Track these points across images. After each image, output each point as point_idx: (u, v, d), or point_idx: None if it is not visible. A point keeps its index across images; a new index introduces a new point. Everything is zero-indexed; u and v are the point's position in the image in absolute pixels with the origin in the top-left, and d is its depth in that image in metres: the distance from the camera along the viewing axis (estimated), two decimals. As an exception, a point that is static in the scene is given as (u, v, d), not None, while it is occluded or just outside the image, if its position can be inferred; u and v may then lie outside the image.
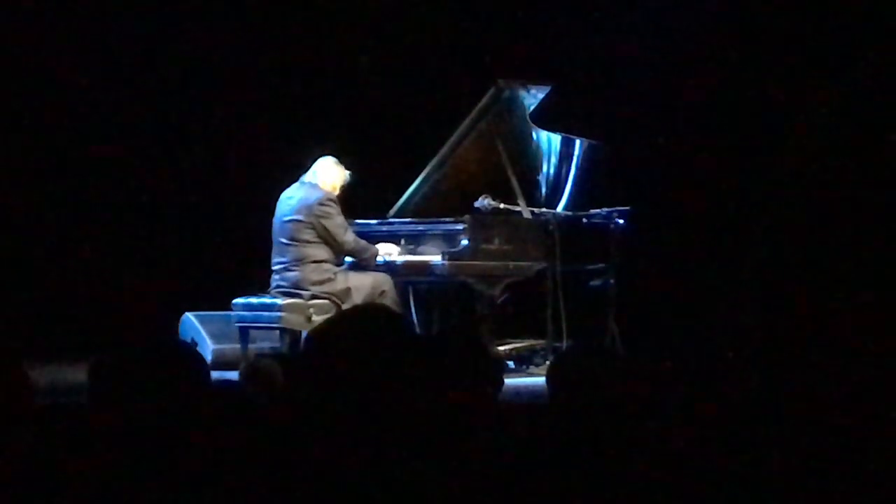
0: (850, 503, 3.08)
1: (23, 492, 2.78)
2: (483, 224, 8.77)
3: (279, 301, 8.43)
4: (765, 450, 3.13)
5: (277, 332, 8.53)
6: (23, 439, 2.94)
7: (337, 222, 8.50)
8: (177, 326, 9.33)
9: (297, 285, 8.45)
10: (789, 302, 9.53)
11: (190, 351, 3.00)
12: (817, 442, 3.21)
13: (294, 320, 8.39)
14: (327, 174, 8.59)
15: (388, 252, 8.77)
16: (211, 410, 2.91)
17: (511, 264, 8.76)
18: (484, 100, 9.13)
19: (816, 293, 9.46)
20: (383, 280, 8.53)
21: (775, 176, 10.04)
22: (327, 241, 8.50)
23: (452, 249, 8.66)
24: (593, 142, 9.27)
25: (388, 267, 8.73)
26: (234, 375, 6.44)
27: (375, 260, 8.69)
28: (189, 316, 9.32)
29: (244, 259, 9.68)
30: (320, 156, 8.66)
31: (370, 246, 8.70)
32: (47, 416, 3.07)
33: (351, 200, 8.74)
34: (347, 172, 8.65)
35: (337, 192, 8.60)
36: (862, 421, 3.34)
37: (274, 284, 8.56)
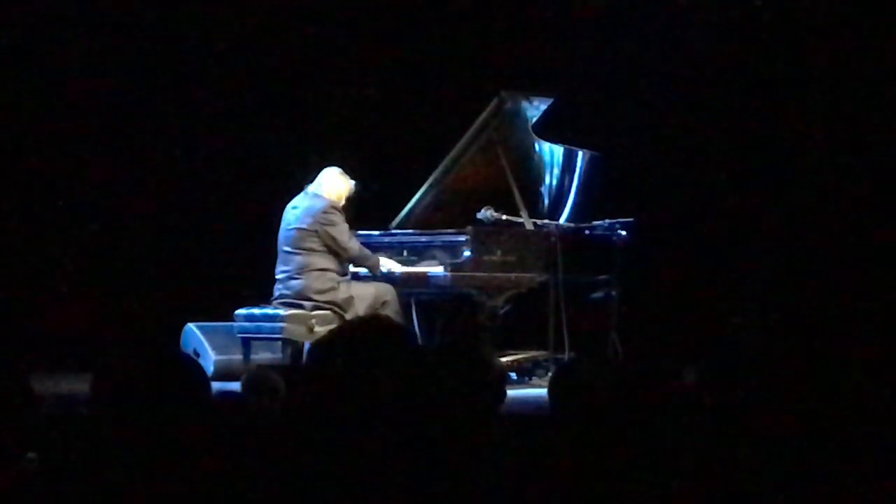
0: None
1: (26, 501, 2.78)
2: (485, 235, 8.77)
3: (281, 312, 8.44)
4: (767, 459, 3.13)
5: (279, 342, 8.54)
6: (26, 449, 2.95)
7: (341, 229, 8.53)
8: (179, 337, 9.33)
9: (300, 294, 8.47)
10: (791, 311, 9.53)
11: (190, 363, 3.00)
12: (821, 451, 3.21)
13: (296, 331, 8.40)
14: (332, 184, 8.62)
15: (388, 266, 8.78)
16: (212, 421, 2.91)
17: (513, 276, 8.76)
18: (486, 111, 9.13)
19: (818, 304, 9.45)
20: (386, 290, 8.54)
21: (778, 187, 10.04)
22: (332, 248, 8.52)
23: (455, 261, 8.66)
24: (596, 153, 9.27)
25: (391, 278, 8.74)
26: (236, 386, 6.44)
27: (379, 268, 8.71)
28: (191, 327, 9.33)
29: (246, 270, 9.69)
30: (324, 166, 8.69)
31: (374, 255, 8.73)
32: (51, 426, 3.07)
33: (354, 211, 8.75)
34: (353, 182, 8.67)
35: (342, 202, 8.63)
36: (862, 433, 3.34)
37: (277, 293, 8.57)
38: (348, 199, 8.66)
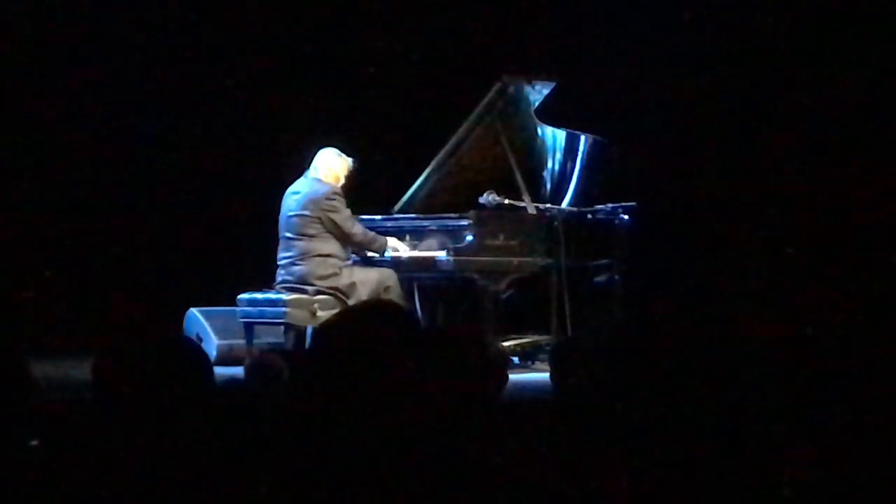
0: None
1: (26, 489, 2.78)
2: (488, 220, 8.76)
3: (284, 296, 8.44)
4: (768, 440, 3.13)
5: (282, 327, 8.54)
6: (25, 436, 2.94)
7: (344, 215, 8.52)
8: (182, 322, 9.33)
9: (302, 280, 8.46)
10: (796, 297, 9.52)
11: (193, 347, 3.00)
12: (820, 435, 3.21)
13: (299, 316, 8.40)
14: (330, 166, 8.59)
15: (395, 248, 8.77)
16: (215, 406, 2.91)
17: (515, 260, 8.76)
18: (489, 95, 9.12)
19: (821, 288, 9.45)
20: (388, 275, 8.54)
21: (780, 171, 10.03)
22: (336, 234, 8.51)
23: (457, 245, 8.66)
24: (598, 138, 9.26)
25: (393, 262, 8.73)
26: (239, 371, 6.45)
27: (385, 251, 8.70)
28: (194, 311, 9.33)
29: (249, 255, 9.68)
30: (322, 148, 8.67)
31: (379, 237, 8.71)
32: (51, 413, 3.07)
33: (356, 196, 8.74)
34: (350, 160, 8.65)
35: (342, 181, 8.61)
36: (862, 418, 3.33)
37: (279, 279, 8.56)
38: (348, 178, 8.64)
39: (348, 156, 8.66)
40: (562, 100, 9.39)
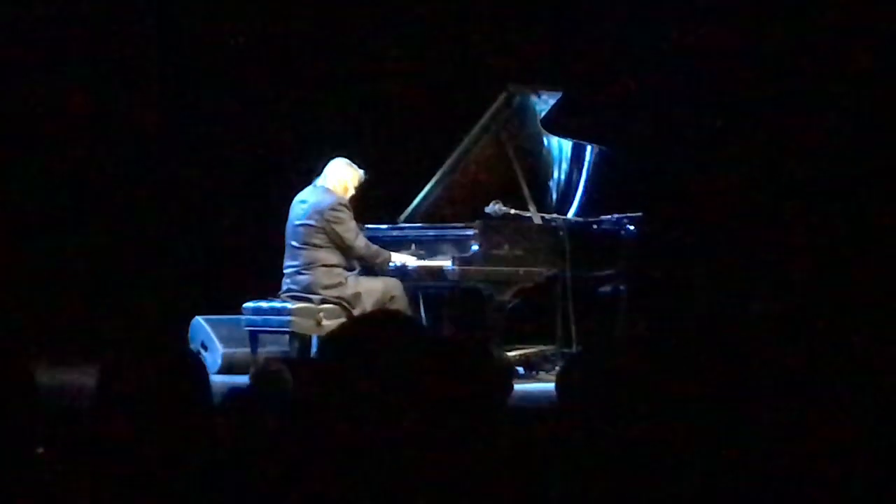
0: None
1: (28, 495, 2.78)
2: (493, 230, 8.76)
3: (289, 305, 8.44)
4: (776, 451, 3.12)
5: (287, 336, 8.54)
6: (28, 443, 2.94)
7: (348, 227, 8.51)
8: (187, 330, 9.33)
9: (307, 289, 8.46)
10: (799, 306, 9.52)
11: (190, 358, 2.99)
12: (830, 453, 3.20)
13: (304, 325, 8.40)
14: (339, 176, 8.60)
15: (402, 261, 8.76)
16: (215, 417, 2.91)
17: (521, 270, 8.75)
18: (495, 105, 9.12)
19: (827, 295, 9.44)
20: (394, 285, 8.54)
21: (786, 181, 10.03)
22: (338, 245, 8.50)
23: (463, 255, 8.66)
24: (604, 148, 9.27)
25: (399, 272, 8.73)
26: (244, 380, 6.45)
27: (388, 265, 8.69)
28: (199, 320, 9.33)
29: (255, 263, 9.69)
30: (332, 158, 8.68)
31: (382, 251, 8.70)
32: (55, 420, 3.07)
33: (362, 205, 8.74)
34: (361, 171, 8.65)
35: (350, 192, 8.61)
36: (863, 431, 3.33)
37: (285, 288, 8.57)
38: (357, 189, 8.64)
39: (359, 167, 8.66)
40: (568, 110, 9.39)
